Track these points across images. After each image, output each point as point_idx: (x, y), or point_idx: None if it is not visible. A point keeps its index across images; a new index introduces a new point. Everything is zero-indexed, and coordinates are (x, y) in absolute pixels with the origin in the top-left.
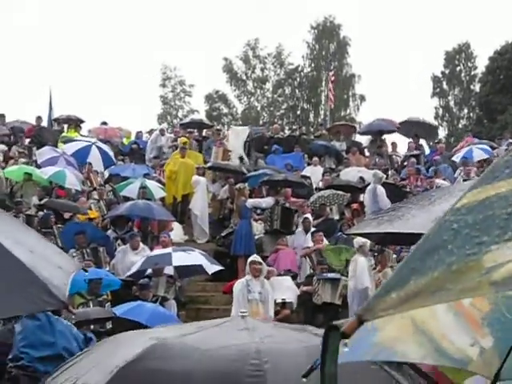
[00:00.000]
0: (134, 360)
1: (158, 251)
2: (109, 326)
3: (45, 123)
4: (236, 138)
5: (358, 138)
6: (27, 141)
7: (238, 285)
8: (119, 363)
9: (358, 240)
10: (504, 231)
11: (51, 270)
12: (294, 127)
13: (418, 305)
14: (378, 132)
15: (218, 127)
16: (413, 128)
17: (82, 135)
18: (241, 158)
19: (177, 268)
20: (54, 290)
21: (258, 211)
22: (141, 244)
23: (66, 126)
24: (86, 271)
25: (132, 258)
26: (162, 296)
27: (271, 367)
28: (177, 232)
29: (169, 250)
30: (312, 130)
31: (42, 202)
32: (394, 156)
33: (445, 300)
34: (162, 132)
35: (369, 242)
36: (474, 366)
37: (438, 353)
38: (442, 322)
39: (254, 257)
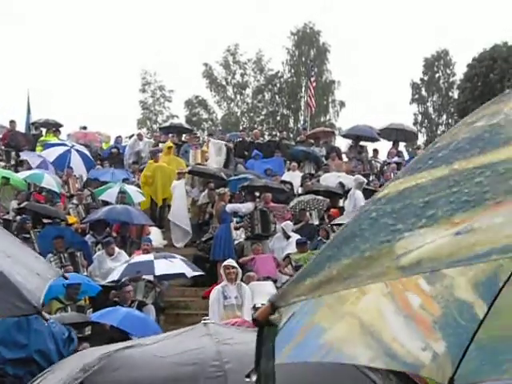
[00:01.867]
0: (94, 372)
1: (139, 258)
2: (88, 331)
3: (23, 127)
4: (217, 153)
5: (338, 142)
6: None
7: (214, 292)
8: (78, 376)
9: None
10: (419, 218)
11: (27, 276)
12: (274, 133)
13: (329, 291)
14: (357, 137)
15: (197, 132)
16: (393, 134)
17: (60, 140)
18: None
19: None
20: (27, 295)
21: (237, 219)
22: (116, 249)
23: (44, 130)
24: (66, 278)
25: (109, 264)
26: (140, 301)
27: (232, 367)
28: (156, 237)
29: (150, 257)
30: (292, 135)
31: (22, 205)
32: (373, 162)
33: (354, 286)
34: (139, 137)
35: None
36: (426, 370)
37: (388, 357)
38: (392, 325)
39: (228, 261)
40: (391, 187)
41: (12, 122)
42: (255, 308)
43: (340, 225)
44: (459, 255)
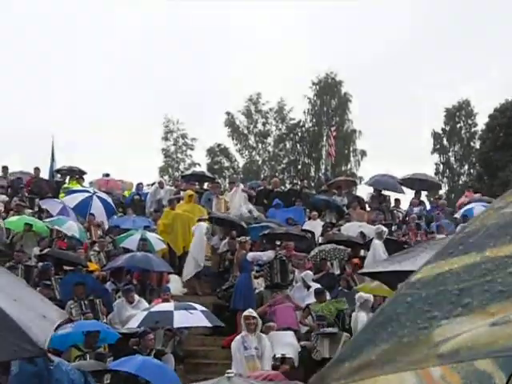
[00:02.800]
0: None
1: (159, 307)
2: (107, 380)
3: (47, 174)
4: (245, 200)
5: (359, 191)
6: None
7: (235, 342)
8: None
9: (362, 295)
10: (455, 306)
11: (33, 318)
12: (294, 181)
13: (369, 375)
14: (381, 188)
15: (219, 181)
16: (416, 184)
17: (83, 187)
18: (250, 211)
19: None
20: (33, 337)
21: (257, 268)
22: (136, 297)
23: (67, 178)
24: (71, 321)
25: (129, 312)
26: (159, 349)
27: None
28: (176, 285)
29: (171, 306)
30: (313, 184)
31: (45, 251)
32: (395, 211)
33: (393, 371)
34: (160, 185)
35: (372, 297)
36: None
37: None
38: None
39: (249, 311)
40: (424, 271)
41: (36, 169)
42: (275, 358)
43: (366, 274)
44: (497, 346)
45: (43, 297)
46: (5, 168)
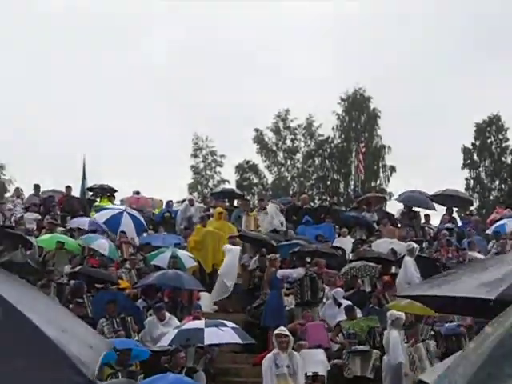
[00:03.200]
0: None
1: (189, 324)
2: None
3: (78, 192)
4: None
5: (389, 207)
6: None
7: (266, 360)
8: None
9: (393, 313)
10: None
11: (81, 349)
12: (323, 197)
13: None
14: (412, 205)
15: (247, 197)
16: (447, 200)
17: (114, 205)
18: (282, 223)
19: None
20: (82, 368)
21: (287, 286)
22: (167, 314)
23: (99, 196)
24: (116, 351)
25: (160, 330)
26: (190, 367)
27: None
28: (206, 302)
29: (201, 324)
30: (342, 200)
31: (76, 269)
32: (426, 228)
33: None
34: (191, 202)
35: (404, 315)
36: None
37: None
38: None
39: (280, 329)
40: None
41: (68, 188)
42: (306, 376)
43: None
44: None
45: (88, 326)
46: (37, 186)
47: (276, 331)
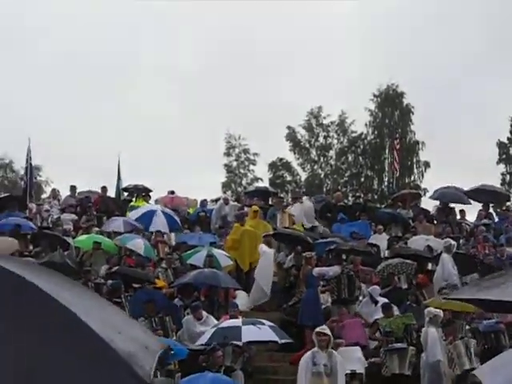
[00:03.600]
0: None
1: (227, 323)
2: None
3: (113, 192)
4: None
5: (424, 204)
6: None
7: (304, 358)
8: None
9: (431, 310)
10: None
11: (137, 351)
12: (357, 194)
13: None
14: (447, 200)
15: (282, 196)
16: (484, 195)
17: (149, 204)
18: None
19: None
20: (139, 370)
21: (323, 283)
22: (204, 313)
23: (134, 196)
24: (171, 350)
25: (197, 328)
26: (228, 366)
27: None
28: (242, 301)
29: (239, 322)
30: (376, 197)
31: (114, 269)
32: (463, 224)
33: None
34: (225, 201)
35: (442, 312)
36: None
37: None
38: None
39: (321, 328)
40: None
41: (103, 188)
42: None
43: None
44: None
45: (143, 326)
46: (73, 187)
47: (316, 330)
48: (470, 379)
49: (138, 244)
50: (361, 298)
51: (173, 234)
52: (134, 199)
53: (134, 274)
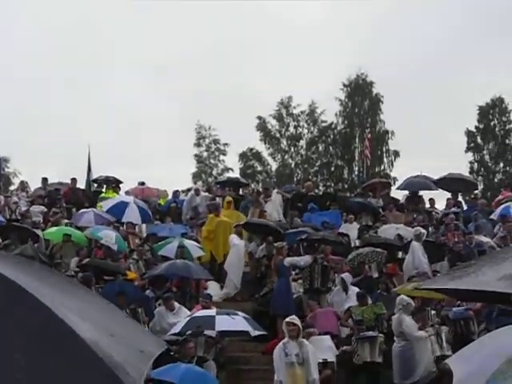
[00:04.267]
0: None
1: (201, 312)
2: None
3: (83, 184)
4: (280, 203)
5: (393, 193)
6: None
7: (276, 349)
8: None
9: (404, 298)
10: None
11: (128, 356)
12: (328, 184)
13: None
14: (416, 189)
15: (259, 189)
16: (452, 184)
17: (120, 196)
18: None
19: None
20: (124, 379)
21: (297, 271)
22: (176, 304)
23: (104, 187)
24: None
25: (169, 319)
26: (201, 356)
27: None
28: (214, 291)
29: (213, 312)
30: (346, 186)
31: (84, 261)
32: (433, 213)
33: None
34: (196, 192)
35: (412, 301)
36: None
37: None
38: None
39: (291, 318)
40: None
41: (73, 180)
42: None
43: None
44: None
45: (142, 327)
46: (44, 180)
47: (286, 320)
48: (441, 366)
49: (108, 234)
50: (333, 287)
51: (144, 226)
52: (104, 190)
53: (104, 266)
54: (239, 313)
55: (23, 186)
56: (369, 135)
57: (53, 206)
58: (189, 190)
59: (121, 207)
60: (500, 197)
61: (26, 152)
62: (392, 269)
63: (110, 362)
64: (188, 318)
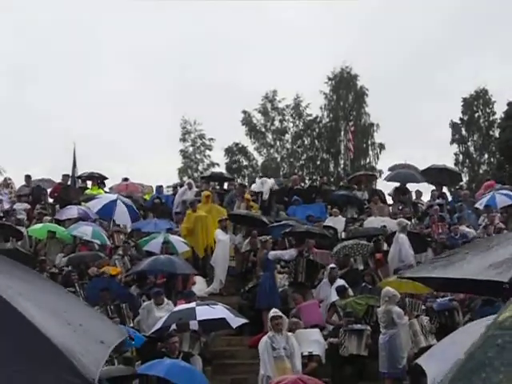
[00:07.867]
0: None
1: (181, 306)
2: None
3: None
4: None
5: (380, 185)
6: (51, 199)
7: (262, 343)
8: None
9: (389, 290)
10: None
11: (87, 345)
12: (314, 177)
13: None
14: (403, 182)
15: (242, 183)
16: (436, 175)
17: (105, 192)
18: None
19: (201, 323)
20: (81, 369)
21: (282, 263)
22: (165, 299)
23: (89, 183)
24: (132, 339)
25: (157, 314)
26: (186, 352)
27: None
28: (200, 286)
29: (193, 304)
30: (332, 179)
31: (67, 257)
32: (418, 204)
33: None
34: (189, 186)
35: (398, 293)
36: None
37: None
38: None
39: (274, 311)
40: None
41: (65, 177)
42: (302, 356)
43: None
44: None
45: (104, 317)
46: (28, 177)
47: (270, 314)
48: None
49: (84, 230)
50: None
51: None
52: (89, 187)
53: (85, 258)
54: (219, 303)
55: (6, 182)
56: (352, 128)
57: (37, 202)
58: (175, 185)
59: (109, 208)
60: (482, 190)
61: (11, 149)
62: (380, 258)
63: (71, 356)
64: (169, 313)
